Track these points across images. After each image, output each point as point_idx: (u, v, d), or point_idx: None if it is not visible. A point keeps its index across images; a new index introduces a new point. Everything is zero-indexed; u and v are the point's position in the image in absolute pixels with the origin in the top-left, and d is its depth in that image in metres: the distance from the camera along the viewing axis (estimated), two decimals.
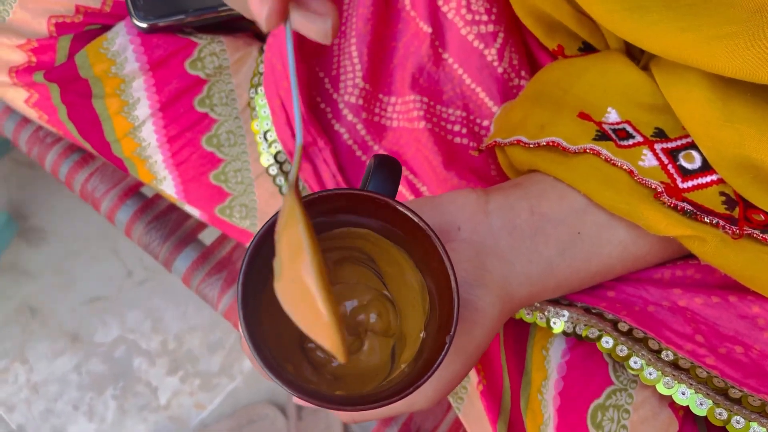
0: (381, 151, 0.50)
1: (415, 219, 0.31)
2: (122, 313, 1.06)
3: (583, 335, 0.36)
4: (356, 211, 0.32)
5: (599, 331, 0.36)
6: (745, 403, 0.33)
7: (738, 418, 0.33)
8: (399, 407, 0.33)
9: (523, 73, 0.48)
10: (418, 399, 0.32)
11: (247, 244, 0.31)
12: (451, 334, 0.29)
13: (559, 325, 0.37)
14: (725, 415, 0.33)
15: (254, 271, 0.30)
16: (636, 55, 0.42)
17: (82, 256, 1.10)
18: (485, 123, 0.49)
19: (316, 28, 0.24)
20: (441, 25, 0.48)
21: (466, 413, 0.44)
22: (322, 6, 0.24)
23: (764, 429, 0.32)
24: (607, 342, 0.35)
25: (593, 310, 0.37)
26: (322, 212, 0.32)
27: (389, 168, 0.33)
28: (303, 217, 0.24)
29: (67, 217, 1.12)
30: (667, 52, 0.32)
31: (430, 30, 0.47)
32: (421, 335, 0.32)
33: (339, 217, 0.32)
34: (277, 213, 0.30)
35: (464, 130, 0.48)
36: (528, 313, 0.39)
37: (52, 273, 1.09)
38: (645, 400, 0.35)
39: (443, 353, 0.29)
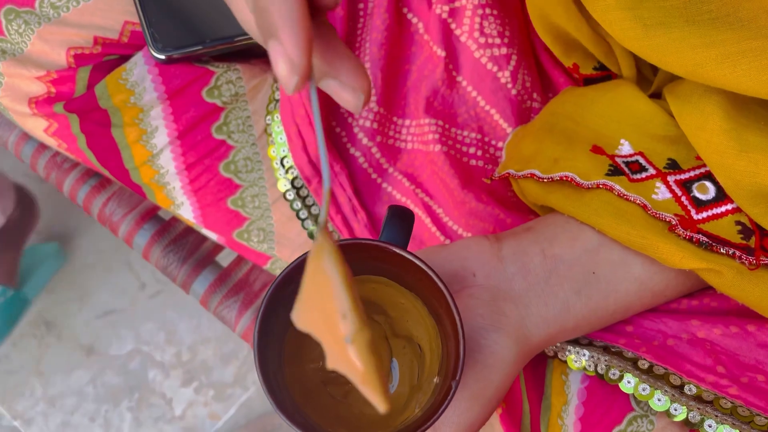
0: (396, 174, 0.50)
1: (422, 266, 0.32)
2: (136, 326, 1.07)
3: (605, 376, 0.37)
4: (372, 259, 0.33)
5: (620, 371, 0.36)
6: None
7: None
8: None
9: (535, 95, 0.48)
10: None
11: (266, 289, 0.32)
12: (457, 379, 0.30)
13: (579, 364, 0.38)
14: None
15: (273, 316, 0.31)
16: (648, 77, 0.42)
17: (95, 270, 1.11)
18: (500, 144, 0.49)
19: (347, 98, 0.24)
20: (454, 48, 0.48)
21: None
22: (354, 80, 0.24)
23: None
24: (629, 382, 0.36)
25: (612, 349, 0.37)
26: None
27: (401, 218, 0.34)
28: (338, 260, 0.23)
29: (80, 231, 1.13)
30: (687, 71, 0.32)
31: (443, 54, 0.48)
32: (435, 380, 0.33)
33: (357, 265, 0.33)
34: (298, 258, 0.31)
35: (479, 152, 0.49)
36: (549, 352, 0.39)
37: (66, 287, 1.10)
38: (666, 426, 0.35)
39: (448, 399, 0.30)
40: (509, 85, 0.48)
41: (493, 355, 0.33)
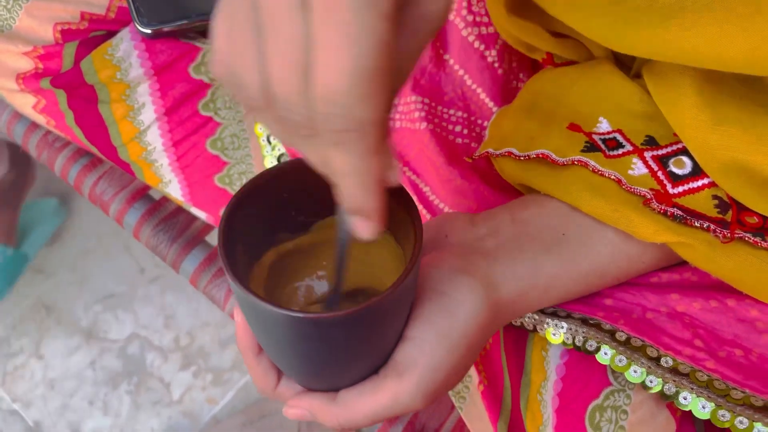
0: None
1: None
2: (135, 310, 1.07)
3: (582, 348, 0.36)
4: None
5: (597, 342, 0.36)
6: (747, 404, 0.33)
7: (741, 418, 0.33)
8: (385, 406, 0.32)
9: (521, 75, 0.48)
10: (403, 395, 0.31)
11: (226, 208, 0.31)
12: (417, 243, 0.29)
13: (558, 336, 0.37)
14: (728, 416, 0.33)
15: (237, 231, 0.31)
16: (627, 63, 0.42)
17: (95, 254, 1.12)
18: (486, 124, 0.49)
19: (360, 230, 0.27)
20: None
21: (468, 412, 0.45)
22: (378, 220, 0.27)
23: None
24: (605, 353, 0.36)
25: (591, 321, 0.37)
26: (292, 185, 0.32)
27: None
28: None
29: (80, 216, 1.13)
30: (662, 53, 0.32)
31: None
32: None
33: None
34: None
35: (465, 131, 0.48)
36: (528, 325, 0.39)
37: (66, 271, 1.10)
38: (643, 401, 0.35)
39: (412, 259, 0.28)
40: (496, 65, 0.48)
41: (459, 292, 0.32)
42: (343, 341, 0.29)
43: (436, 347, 0.31)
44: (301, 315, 0.27)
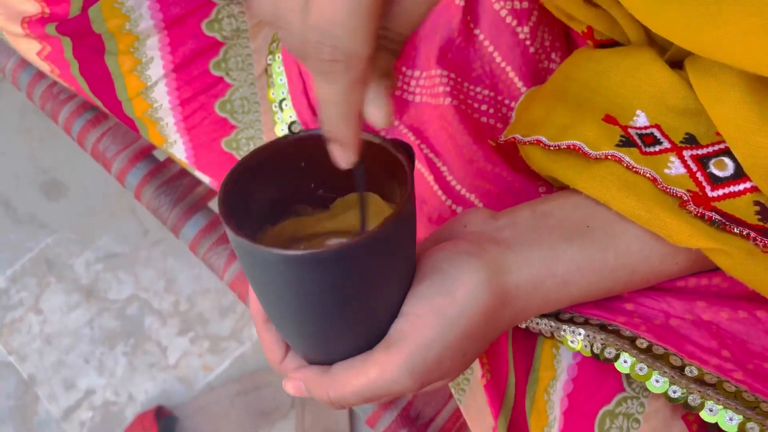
0: (401, 127, 0.48)
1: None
2: (136, 272, 1.06)
3: (600, 356, 0.34)
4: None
5: (616, 350, 0.34)
6: None
7: None
8: (371, 380, 0.30)
9: (553, 55, 0.45)
10: (390, 370, 0.30)
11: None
12: (408, 191, 0.28)
13: (576, 344, 0.35)
14: (757, 429, 0.31)
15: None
16: (665, 46, 0.39)
17: (100, 213, 1.10)
18: (513, 104, 0.46)
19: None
20: None
21: (467, 405, 0.43)
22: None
23: None
24: (625, 362, 0.33)
25: (609, 327, 0.35)
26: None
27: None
28: None
29: (87, 173, 1.12)
30: (695, 48, 0.30)
31: (462, 2, 0.45)
32: None
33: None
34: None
35: (491, 111, 0.46)
36: (546, 332, 0.37)
37: (69, 228, 1.09)
38: (657, 410, 0.33)
39: (404, 203, 0.28)
40: (527, 42, 0.45)
41: (460, 271, 0.31)
42: (330, 287, 0.28)
43: (429, 324, 0.30)
44: (284, 252, 0.26)
